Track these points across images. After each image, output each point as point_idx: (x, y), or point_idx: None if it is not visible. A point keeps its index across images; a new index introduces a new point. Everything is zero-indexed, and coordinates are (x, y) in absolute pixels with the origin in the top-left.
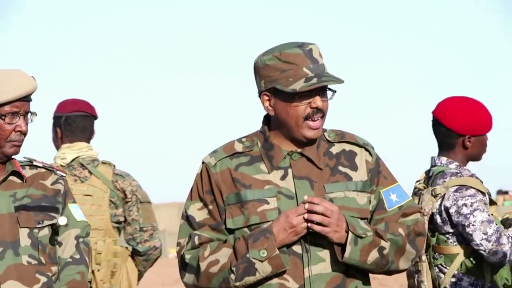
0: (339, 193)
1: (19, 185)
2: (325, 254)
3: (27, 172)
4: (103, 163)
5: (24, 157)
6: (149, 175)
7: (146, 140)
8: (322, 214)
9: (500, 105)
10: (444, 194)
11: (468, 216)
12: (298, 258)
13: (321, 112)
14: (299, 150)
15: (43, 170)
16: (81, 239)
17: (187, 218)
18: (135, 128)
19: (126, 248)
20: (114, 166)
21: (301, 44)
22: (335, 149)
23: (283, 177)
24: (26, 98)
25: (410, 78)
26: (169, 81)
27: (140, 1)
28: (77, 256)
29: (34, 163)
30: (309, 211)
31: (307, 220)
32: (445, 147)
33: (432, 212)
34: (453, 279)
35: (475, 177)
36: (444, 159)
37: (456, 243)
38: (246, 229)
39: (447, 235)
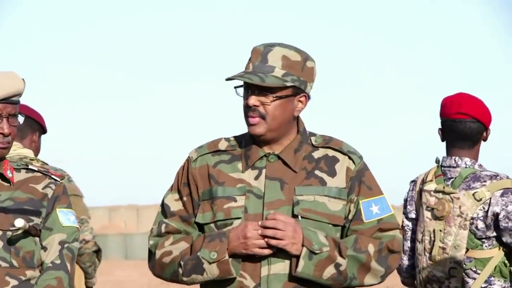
0: (309, 196)
1: (5, 187)
2: (283, 255)
3: (21, 176)
4: (31, 160)
5: (26, 161)
6: (135, 176)
7: (133, 142)
8: (275, 228)
9: (498, 109)
10: (490, 199)
11: None
12: (257, 257)
13: (256, 112)
14: (276, 152)
15: (38, 174)
16: (66, 245)
17: (162, 206)
18: (129, 130)
19: None
20: (44, 163)
21: (271, 44)
22: (318, 153)
23: (256, 177)
24: (9, 100)
25: (408, 82)
26: (173, 83)
27: (140, 4)
28: (58, 262)
29: (30, 166)
30: (263, 227)
31: (263, 236)
32: (468, 144)
33: (471, 217)
34: (484, 284)
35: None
36: (467, 160)
37: (490, 246)
38: (212, 225)
39: (483, 240)
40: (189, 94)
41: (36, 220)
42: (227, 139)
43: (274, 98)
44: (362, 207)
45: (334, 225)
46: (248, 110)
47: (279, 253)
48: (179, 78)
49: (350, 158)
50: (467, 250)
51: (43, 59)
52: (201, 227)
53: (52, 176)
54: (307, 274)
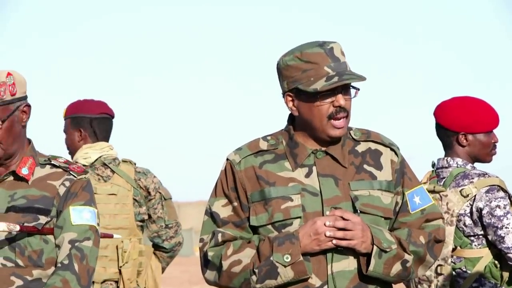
0: (364, 191)
1: (22, 185)
2: (348, 251)
3: (40, 172)
4: (124, 161)
5: (51, 156)
6: (175, 174)
7: (173, 139)
8: (344, 229)
9: (504, 105)
10: (475, 195)
11: (501, 218)
12: (321, 254)
13: (345, 111)
14: (323, 148)
15: (59, 170)
16: (77, 244)
17: (211, 215)
18: (162, 127)
19: (151, 246)
20: (135, 164)
21: (322, 43)
22: (361, 147)
23: (307, 175)
24: None
25: (414, 79)
26: (195, 80)
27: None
28: (66, 262)
29: (53, 161)
30: (332, 227)
31: (332, 237)
32: (446, 147)
33: (458, 214)
34: (475, 284)
35: (500, 178)
36: (459, 160)
37: (480, 246)
38: (270, 227)
39: (471, 238)
40: (223, 92)
41: (43, 220)
42: (265, 139)
43: (356, 94)
44: (408, 199)
45: (385, 218)
46: (338, 112)
47: (343, 249)
48: (213, 77)
49: (392, 149)
50: (455, 247)
51: (43, 56)
52: (254, 230)
53: (71, 172)
54: (377, 272)
